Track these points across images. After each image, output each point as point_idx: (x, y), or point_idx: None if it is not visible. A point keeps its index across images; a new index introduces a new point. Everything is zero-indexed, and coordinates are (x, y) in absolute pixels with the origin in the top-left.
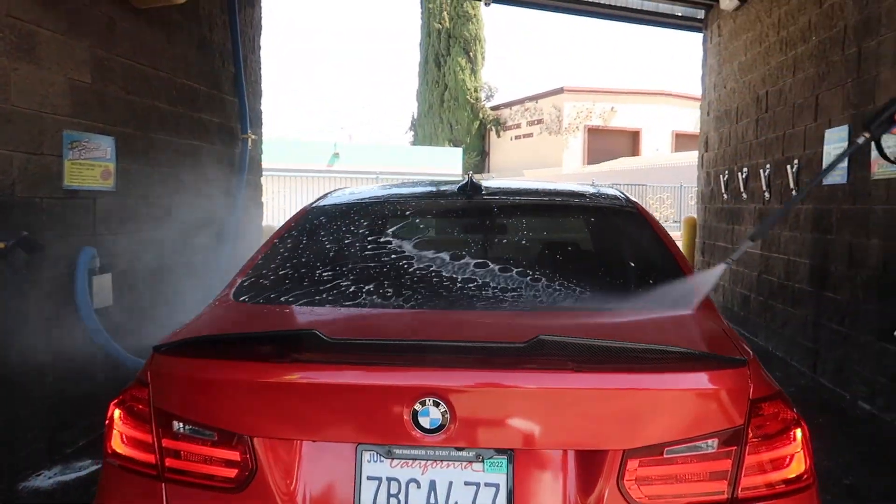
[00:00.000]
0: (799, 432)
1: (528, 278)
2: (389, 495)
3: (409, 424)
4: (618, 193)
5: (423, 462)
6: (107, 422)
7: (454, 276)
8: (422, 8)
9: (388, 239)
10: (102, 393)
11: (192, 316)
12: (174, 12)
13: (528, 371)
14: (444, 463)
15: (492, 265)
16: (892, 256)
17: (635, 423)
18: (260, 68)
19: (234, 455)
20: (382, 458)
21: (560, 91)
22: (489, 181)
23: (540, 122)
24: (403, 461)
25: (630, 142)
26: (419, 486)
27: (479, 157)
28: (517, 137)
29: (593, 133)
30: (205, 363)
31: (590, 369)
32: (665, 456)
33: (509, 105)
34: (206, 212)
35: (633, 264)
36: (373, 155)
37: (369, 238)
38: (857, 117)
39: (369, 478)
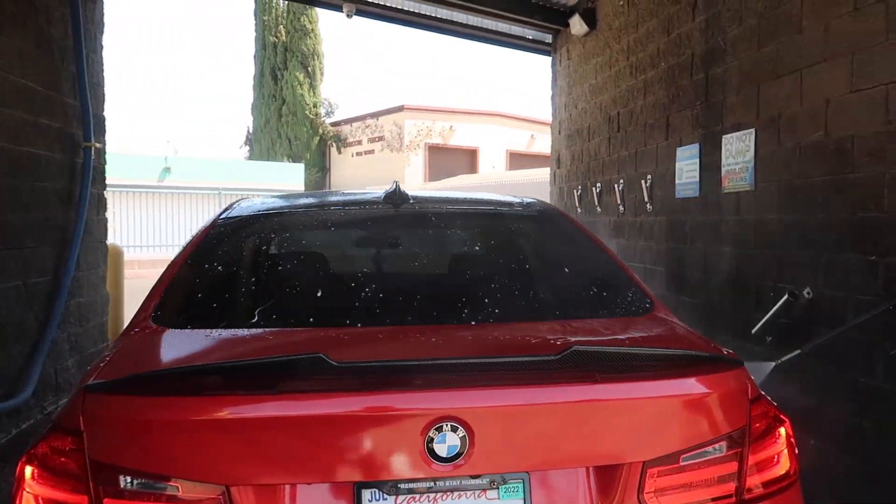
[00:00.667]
0: (783, 430)
1: (492, 289)
2: None
3: (424, 454)
4: (538, 200)
5: (432, 495)
6: (14, 485)
7: (409, 286)
8: (256, 20)
9: (315, 251)
10: None
11: (36, 344)
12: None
13: (555, 385)
14: (456, 493)
15: (446, 276)
16: (742, 261)
17: (654, 433)
18: (103, 70)
19: None
20: (386, 496)
21: (400, 109)
22: (412, 191)
23: (381, 139)
24: (410, 496)
25: (469, 159)
26: None
27: (319, 173)
28: (359, 154)
29: (434, 151)
30: (166, 400)
31: (612, 379)
32: (682, 464)
33: (350, 122)
34: (50, 229)
35: (579, 270)
36: (209, 169)
37: (295, 251)
38: (706, 136)
39: None
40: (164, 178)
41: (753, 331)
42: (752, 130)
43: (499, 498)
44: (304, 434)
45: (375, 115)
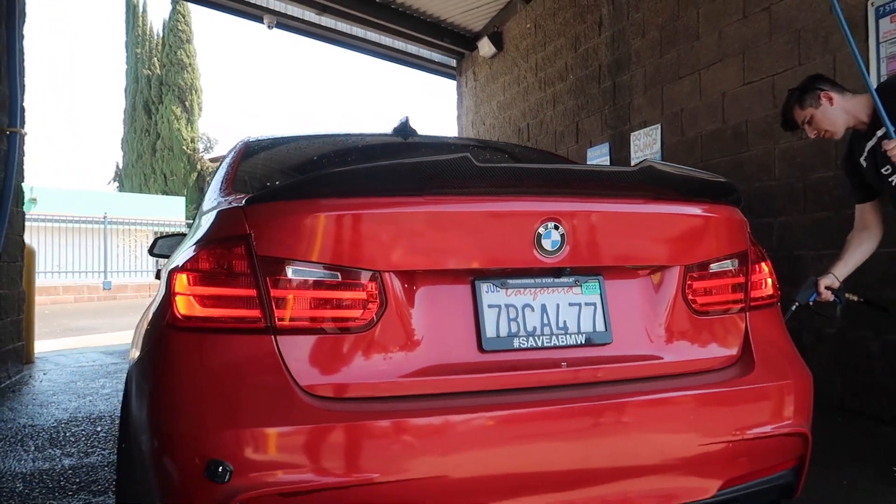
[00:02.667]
0: (766, 264)
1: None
2: (510, 319)
3: (534, 246)
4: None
5: (533, 290)
6: (174, 288)
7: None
8: (128, 52)
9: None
10: None
11: None
12: None
13: (626, 199)
14: (550, 289)
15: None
16: None
17: (691, 244)
18: (24, 59)
19: (363, 294)
20: (498, 289)
21: None
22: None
23: None
24: (516, 290)
25: None
26: (533, 310)
27: (198, 209)
28: None
29: None
30: (328, 201)
31: (669, 198)
32: (710, 271)
33: None
34: None
35: None
36: (82, 200)
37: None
38: (615, 136)
39: (490, 306)
40: (30, 208)
41: None
42: (658, 125)
43: (582, 293)
44: (441, 227)
45: None
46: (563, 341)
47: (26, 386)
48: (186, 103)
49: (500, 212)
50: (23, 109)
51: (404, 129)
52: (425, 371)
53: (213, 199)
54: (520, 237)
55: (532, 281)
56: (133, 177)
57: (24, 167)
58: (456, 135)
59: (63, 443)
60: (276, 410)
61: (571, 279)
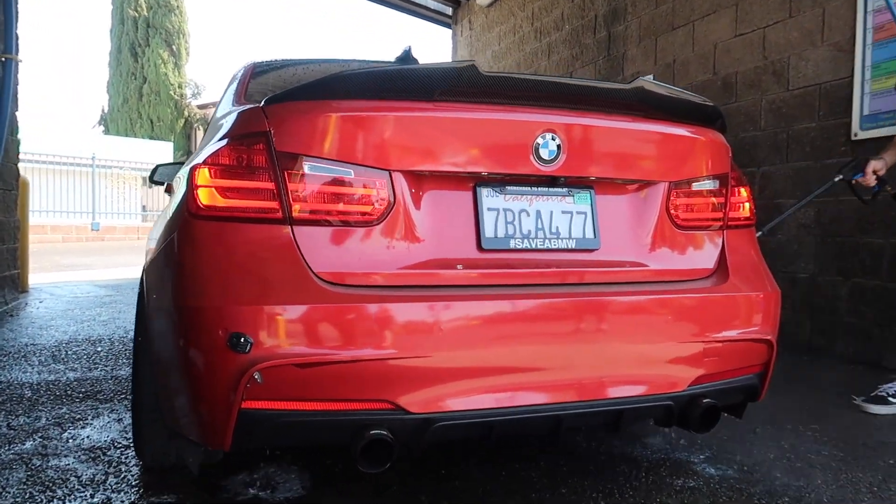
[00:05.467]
0: (745, 189)
1: None
2: (507, 222)
3: (532, 154)
4: None
5: (529, 196)
6: (196, 181)
7: None
8: None
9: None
10: None
11: None
12: None
13: (622, 117)
14: (544, 197)
15: None
16: None
17: (677, 162)
18: None
19: (373, 191)
20: (497, 194)
21: None
22: None
23: None
24: (514, 196)
25: None
26: (529, 215)
27: (185, 156)
28: None
29: None
30: (343, 102)
31: (658, 117)
32: (693, 189)
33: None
34: None
35: None
36: (72, 142)
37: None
38: None
39: (489, 209)
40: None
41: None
42: (650, 76)
43: (574, 203)
44: (446, 133)
45: None
46: (554, 244)
47: (24, 311)
48: (174, 47)
49: (503, 120)
50: (17, 37)
51: (407, 58)
52: (427, 264)
53: (226, 108)
54: (520, 145)
55: (529, 188)
56: (119, 121)
57: (19, 97)
58: None
59: (66, 360)
60: (292, 291)
61: (565, 189)
